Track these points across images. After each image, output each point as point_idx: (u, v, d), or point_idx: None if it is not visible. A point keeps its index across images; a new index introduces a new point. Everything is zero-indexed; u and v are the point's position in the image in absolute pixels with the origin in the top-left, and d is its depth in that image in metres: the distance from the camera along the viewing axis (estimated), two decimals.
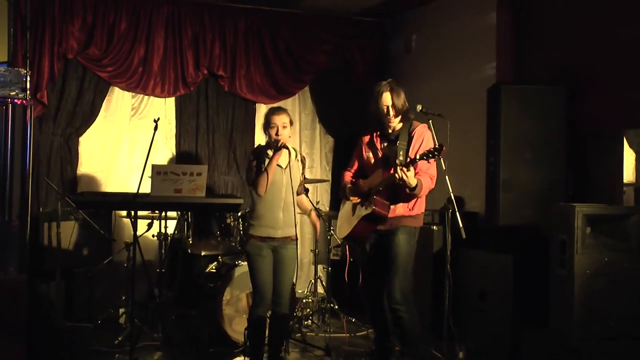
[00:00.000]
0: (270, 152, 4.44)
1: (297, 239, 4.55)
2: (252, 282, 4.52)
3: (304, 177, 4.74)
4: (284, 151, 4.46)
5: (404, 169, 4.09)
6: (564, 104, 5.07)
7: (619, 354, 4.25)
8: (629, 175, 4.53)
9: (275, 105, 6.22)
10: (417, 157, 4.09)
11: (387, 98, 4.35)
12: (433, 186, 4.37)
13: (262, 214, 4.48)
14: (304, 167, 4.71)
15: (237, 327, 5.15)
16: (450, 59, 6.50)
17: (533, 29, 5.80)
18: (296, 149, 4.76)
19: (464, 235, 4.00)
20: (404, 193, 4.27)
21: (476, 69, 6.10)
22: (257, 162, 4.47)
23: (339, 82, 7.34)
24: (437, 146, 4.02)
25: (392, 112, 4.35)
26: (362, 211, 4.41)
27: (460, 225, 4.01)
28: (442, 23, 6.66)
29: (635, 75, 4.80)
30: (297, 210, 4.59)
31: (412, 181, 4.14)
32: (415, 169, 4.24)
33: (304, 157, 4.79)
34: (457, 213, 4.06)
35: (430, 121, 4.25)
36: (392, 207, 4.34)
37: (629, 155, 4.53)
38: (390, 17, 7.37)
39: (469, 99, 6.04)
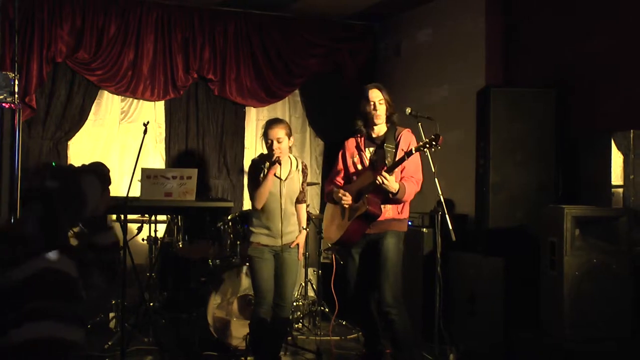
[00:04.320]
0: (266, 165, 4.38)
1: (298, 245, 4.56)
2: (253, 284, 4.53)
3: (305, 187, 4.63)
4: (285, 162, 4.42)
5: (385, 175, 4.08)
6: (553, 106, 5.09)
7: (609, 355, 4.26)
8: (617, 177, 4.55)
9: (265, 107, 6.19)
10: (413, 149, 4.07)
11: (376, 93, 4.36)
12: (419, 189, 4.37)
13: (262, 224, 4.46)
14: (305, 177, 4.61)
15: (228, 331, 5.14)
16: (440, 62, 6.52)
17: (522, 33, 5.83)
18: (299, 158, 4.66)
19: (454, 238, 4.01)
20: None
21: (466, 72, 6.11)
22: (255, 175, 4.41)
23: (330, 86, 7.33)
24: (433, 136, 3.95)
25: (381, 108, 4.33)
26: (355, 212, 4.36)
27: (450, 227, 4.02)
28: (432, 27, 6.67)
29: (622, 78, 4.84)
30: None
31: (394, 186, 4.15)
32: (401, 173, 4.25)
33: (306, 167, 4.68)
34: (447, 216, 4.07)
35: (420, 124, 4.26)
36: (382, 207, 4.33)
37: (617, 157, 4.55)
38: (381, 20, 7.39)
39: (459, 101, 6.06)
